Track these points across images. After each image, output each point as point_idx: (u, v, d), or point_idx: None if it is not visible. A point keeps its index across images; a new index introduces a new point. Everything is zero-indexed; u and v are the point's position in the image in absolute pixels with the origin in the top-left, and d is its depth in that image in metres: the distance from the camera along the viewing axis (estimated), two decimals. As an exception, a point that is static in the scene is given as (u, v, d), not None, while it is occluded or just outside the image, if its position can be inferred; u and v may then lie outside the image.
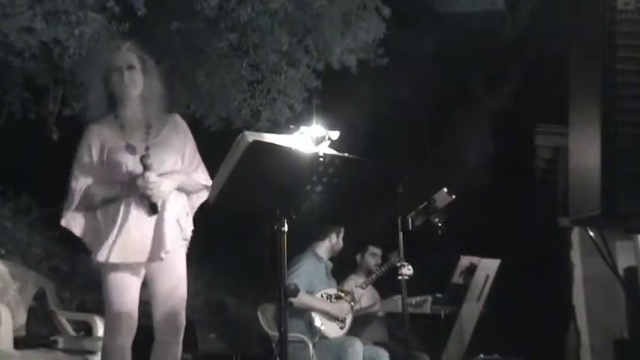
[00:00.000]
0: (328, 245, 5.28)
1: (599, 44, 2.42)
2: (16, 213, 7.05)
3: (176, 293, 3.41)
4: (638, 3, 2.40)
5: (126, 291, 3.35)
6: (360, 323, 5.44)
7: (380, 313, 5.56)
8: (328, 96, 7.52)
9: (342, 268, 5.62)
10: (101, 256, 3.26)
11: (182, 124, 3.52)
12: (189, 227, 3.45)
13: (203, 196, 3.50)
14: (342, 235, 5.32)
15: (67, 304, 6.29)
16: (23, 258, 6.31)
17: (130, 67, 3.37)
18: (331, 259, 5.35)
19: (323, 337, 4.95)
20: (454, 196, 4.73)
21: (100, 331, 5.06)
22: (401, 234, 4.43)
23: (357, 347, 4.78)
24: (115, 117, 3.41)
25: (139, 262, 3.33)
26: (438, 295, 5.49)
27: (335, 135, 3.14)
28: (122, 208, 3.28)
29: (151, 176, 3.22)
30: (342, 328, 5.09)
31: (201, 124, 7.11)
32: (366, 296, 5.53)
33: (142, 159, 3.22)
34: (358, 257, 5.73)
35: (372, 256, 5.67)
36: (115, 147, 3.34)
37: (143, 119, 3.40)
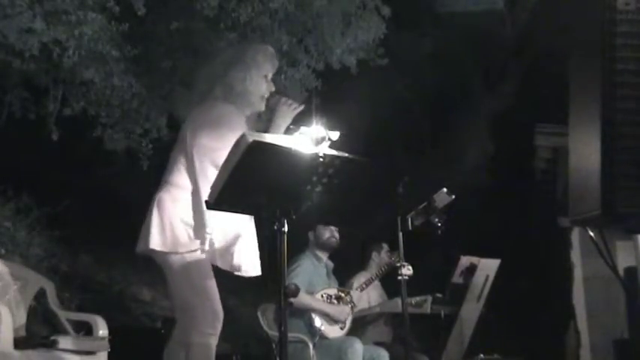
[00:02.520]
0: (313, 243, 5.26)
1: (599, 44, 2.42)
2: (16, 213, 7.04)
3: None
4: (638, 3, 2.40)
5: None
6: (361, 323, 5.45)
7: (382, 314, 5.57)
8: (328, 96, 7.52)
9: (343, 267, 5.62)
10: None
11: None
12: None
13: None
14: (329, 229, 5.24)
15: (67, 304, 6.29)
16: (23, 258, 6.31)
17: None
18: (332, 258, 5.34)
19: (323, 337, 4.95)
20: (454, 196, 4.73)
21: (100, 331, 5.06)
22: (401, 234, 4.43)
23: (357, 347, 4.78)
24: None
25: None
26: (438, 295, 5.49)
27: (335, 135, 3.15)
28: None
29: None
30: (342, 328, 5.09)
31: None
32: (374, 295, 5.54)
33: None
34: (374, 254, 5.72)
35: (387, 254, 5.68)
36: None
37: None
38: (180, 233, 3.28)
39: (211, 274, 3.35)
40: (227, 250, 3.32)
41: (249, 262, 3.38)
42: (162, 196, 3.36)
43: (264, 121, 3.49)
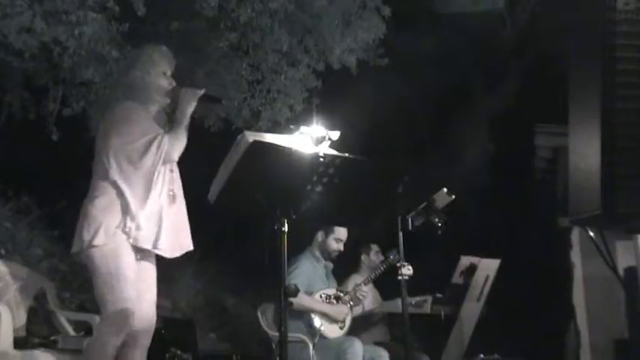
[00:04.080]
0: (317, 244, 5.27)
1: (599, 44, 2.43)
2: (16, 213, 7.04)
3: None
4: (638, 3, 2.40)
5: None
6: (361, 323, 5.44)
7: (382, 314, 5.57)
8: (328, 96, 7.52)
9: (341, 268, 5.62)
10: None
11: None
12: None
13: None
14: (333, 235, 5.27)
15: (67, 304, 6.28)
16: (23, 258, 6.30)
17: None
18: (331, 259, 5.34)
19: (323, 337, 4.95)
20: (454, 196, 4.73)
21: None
22: (401, 234, 4.43)
23: (357, 347, 4.78)
24: None
25: None
26: (438, 295, 5.49)
27: (335, 135, 3.14)
28: None
29: None
30: (341, 328, 5.09)
31: (201, 124, 7.10)
32: (369, 297, 5.53)
33: None
34: (363, 257, 5.72)
35: (377, 255, 5.67)
36: None
37: None
38: (97, 228, 3.41)
39: (131, 268, 3.44)
40: (150, 231, 3.45)
41: (167, 243, 3.50)
42: (84, 201, 3.54)
43: (170, 113, 3.68)
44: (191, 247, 3.64)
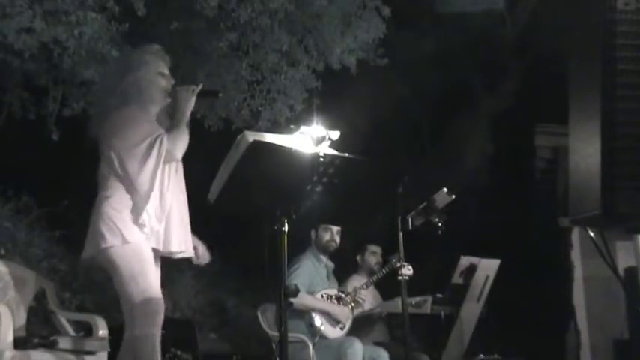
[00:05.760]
0: (314, 242, 5.27)
1: (599, 44, 2.42)
2: (16, 213, 7.04)
3: None
4: (638, 3, 2.39)
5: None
6: (361, 323, 5.44)
7: (382, 314, 5.56)
8: (328, 96, 7.52)
9: (342, 268, 5.62)
10: None
11: None
12: None
13: None
14: (330, 232, 5.26)
15: (67, 304, 6.28)
16: (23, 258, 6.30)
17: None
18: (332, 259, 5.34)
19: (323, 337, 4.95)
20: (454, 196, 4.73)
21: (100, 331, 5.05)
22: (401, 234, 4.43)
23: (357, 347, 4.78)
24: None
25: None
26: (438, 295, 5.49)
27: (335, 135, 3.15)
28: None
29: None
30: (342, 329, 5.09)
31: (201, 124, 7.10)
32: (368, 298, 5.53)
33: None
34: (359, 258, 5.73)
35: (373, 255, 5.67)
36: None
37: None
38: (115, 227, 3.40)
39: (152, 262, 3.45)
40: (161, 232, 3.46)
41: (177, 245, 3.52)
42: (96, 202, 3.51)
43: (170, 112, 3.63)
44: (192, 253, 3.65)
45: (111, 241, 3.38)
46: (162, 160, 3.44)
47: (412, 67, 10.27)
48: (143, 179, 3.41)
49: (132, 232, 3.40)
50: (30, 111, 7.03)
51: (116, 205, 3.44)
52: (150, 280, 3.38)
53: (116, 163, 3.45)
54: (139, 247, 3.40)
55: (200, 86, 3.60)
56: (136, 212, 3.42)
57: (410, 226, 4.61)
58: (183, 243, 3.57)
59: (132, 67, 3.63)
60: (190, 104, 3.57)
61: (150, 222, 3.42)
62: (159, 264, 3.58)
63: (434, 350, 5.53)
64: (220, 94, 4.07)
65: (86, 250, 3.49)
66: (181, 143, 3.52)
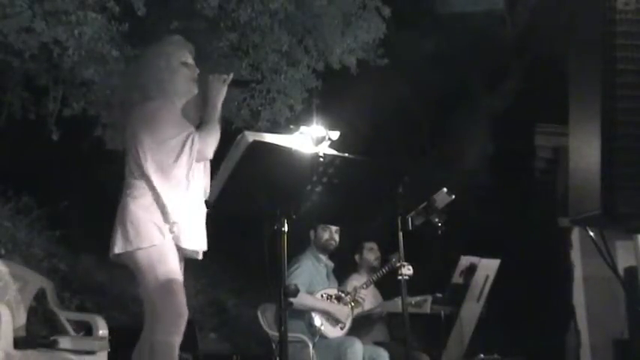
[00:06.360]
0: (313, 242, 5.27)
1: (599, 44, 2.42)
2: (16, 213, 7.05)
3: None
4: (638, 3, 2.40)
5: None
6: (361, 323, 5.44)
7: (382, 314, 5.56)
8: (328, 96, 7.52)
9: (342, 268, 5.62)
10: None
11: None
12: None
13: None
14: (329, 231, 5.26)
15: (67, 304, 6.29)
16: (23, 258, 6.31)
17: None
18: (332, 259, 5.34)
19: (323, 337, 4.95)
20: (454, 196, 4.73)
21: (100, 331, 5.05)
22: (401, 234, 4.43)
23: (357, 347, 4.78)
24: None
25: None
26: (438, 295, 5.48)
27: (335, 135, 3.15)
28: None
29: None
30: (342, 328, 5.09)
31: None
32: (368, 298, 5.53)
33: None
34: (357, 257, 5.72)
35: (370, 251, 5.67)
36: None
37: None
38: (142, 229, 3.32)
39: (177, 267, 3.38)
40: (187, 230, 3.38)
41: (199, 243, 3.45)
42: (122, 200, 3.41)
43: (199, 104, 3.49)
44: (206, 248, 3.55)
45: (137, 243, 3.30)
46: (193, 160, 3.33)
47: (412, 67, 10.27)
48: (172, 179, 3.31)
49: (159, 234, 3.31)
50: (30, 111, 7.04)
51: (144, 205, 3.33)
52: (174, 285, 3.30)
53: (144, 163, 3.32)
54: (165, 250, 3.32)
55: (231, 75, 3.46)
56: (164, 211, 3.31)
57: (410, 226, 4.60)
58: (203, 242, 3.48)
59: (153, 63, 3.50)
60: (222, 96, 3.42)
61: (178, 221, 3.33)
62: (182, 264, 3.47)
63: (434, 350, 5.52)
64: (250, 85, 3.89)
65: (117, 246, 3.36)
66: (212, 140, 3.38)
